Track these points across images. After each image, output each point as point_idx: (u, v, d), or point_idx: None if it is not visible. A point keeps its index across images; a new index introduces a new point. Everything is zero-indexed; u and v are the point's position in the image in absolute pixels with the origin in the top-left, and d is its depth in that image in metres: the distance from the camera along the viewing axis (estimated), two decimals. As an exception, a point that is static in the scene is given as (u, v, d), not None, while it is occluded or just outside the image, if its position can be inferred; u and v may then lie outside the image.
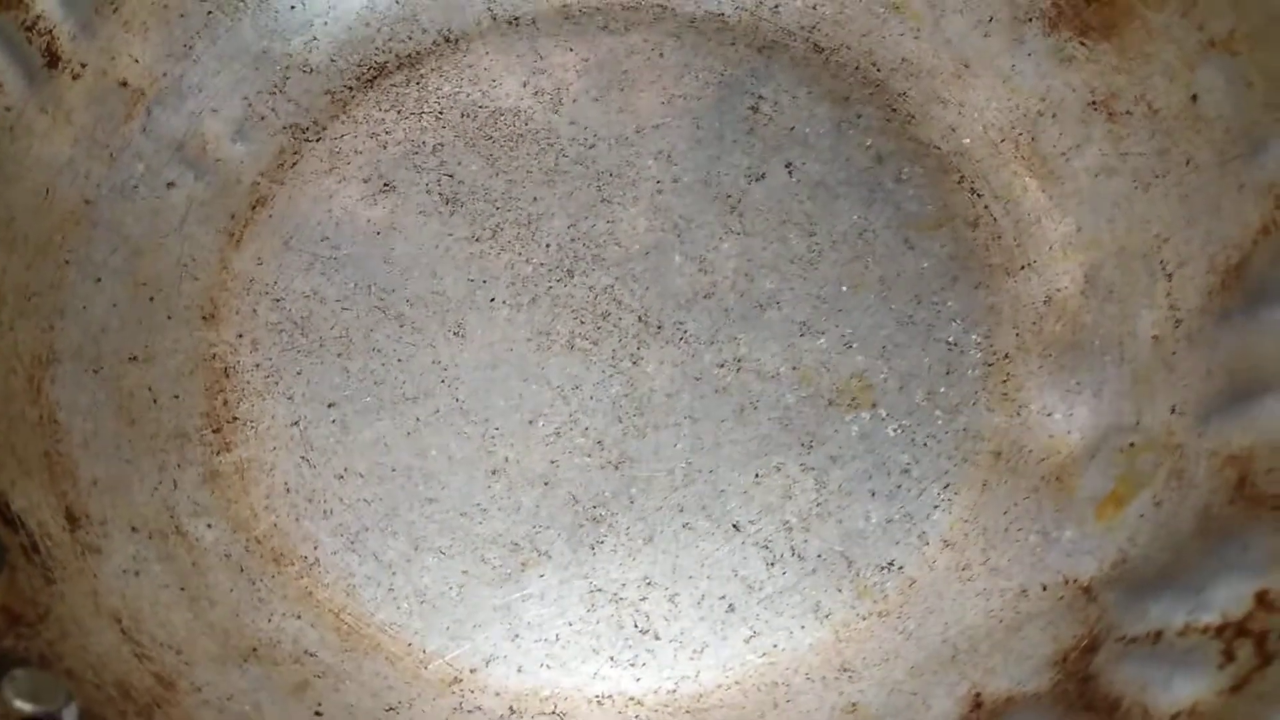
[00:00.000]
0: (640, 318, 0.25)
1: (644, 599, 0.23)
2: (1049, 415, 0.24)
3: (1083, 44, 0.26)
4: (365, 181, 0.27)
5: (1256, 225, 0.23)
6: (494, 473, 0.24)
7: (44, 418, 0.24)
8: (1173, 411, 0.23)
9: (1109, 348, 0.24)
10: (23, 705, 0.17)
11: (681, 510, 0.24)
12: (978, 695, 0.21)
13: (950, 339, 0.25)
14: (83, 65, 0.26)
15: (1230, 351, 0.22)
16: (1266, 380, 0.21)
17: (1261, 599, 0.18)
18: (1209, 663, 0.18)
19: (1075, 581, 0.22)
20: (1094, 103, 0.26)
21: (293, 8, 0.28)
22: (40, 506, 0.22)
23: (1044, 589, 0.22)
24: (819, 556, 0.23)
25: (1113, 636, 0.20)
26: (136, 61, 0.27)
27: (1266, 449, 0.20)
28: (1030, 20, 0.27)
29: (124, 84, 0.27)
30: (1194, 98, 0.24)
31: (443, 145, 0.28)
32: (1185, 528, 0.21)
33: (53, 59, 0.25)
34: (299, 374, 0.25)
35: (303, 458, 0.24)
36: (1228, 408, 0.22)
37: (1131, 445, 0.23)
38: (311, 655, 0.22)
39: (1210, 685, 0.18)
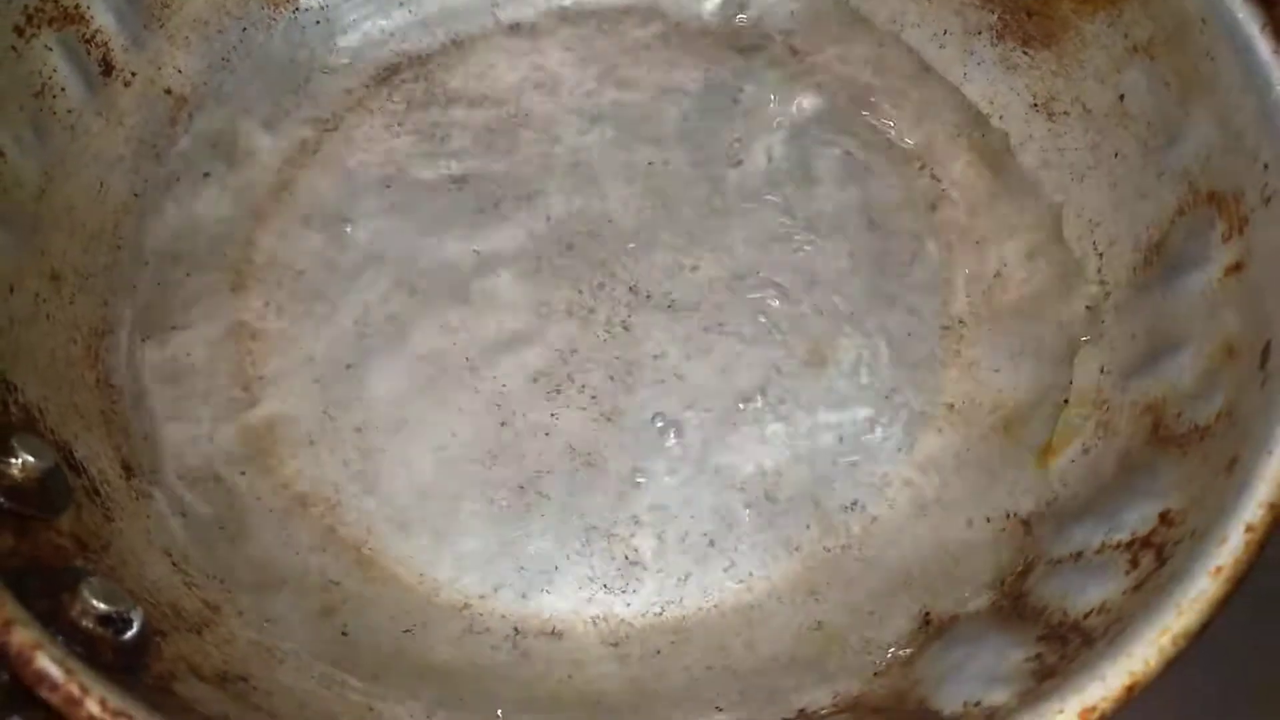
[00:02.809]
0: (631, 288, 0.29)
1: (634, 535, 0.26)
2: (996, 374, 0.28)
3: (1026, 53, 0.30)
4: (379, 166, 0.31)
5: (1174, 207, 0.27)
6: (501, 424, 0.28)
7: (100, 381, 0.27)
8: (1101, 371, 0.27)
9: (1049, 316, 0.28)
10: (99, 604, 0.21)
11: (668, 457, 0.27)
12: (927, 614, 0.25)
13: (911, 306, 0.29)
14: (133, 74, 0.30)
15: (1149, 316, 0.26)
16: (1177, 339, 0.25)
17: (1164, 517, 0.22)
18: (1118, 571, 0.22)
19: (1015, 516, 0.26)
20: (1035, 105, 0.30)
21: (318, 23, 0.32)
22: (99, 457, 0.26)
23: (988, 522, 0.26)
24: (790, 498, 0.27)
25: (1043, 560, 0.24)
26: (180, 71, 0.31)
27: (1176, 396, 0.24)
28: (980, 33, 0.31)
29: (169, 91, 0.30)
30: (1121, 97, 0.28)
31: (450, 134, 0.32)
32: (1108, 468, 0.25)
33: (108, 68, 0.29)
34: (320, 338, 0.29)
35: (324, 411, 0.28)
36: (1146, 365, 0.26)
37: (1066, 401, 0.27)
38: (336, 584, 0.26)
39: (1117, 587, 0.21)
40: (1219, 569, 0.19)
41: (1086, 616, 0.21)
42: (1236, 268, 0.24)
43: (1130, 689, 0.18)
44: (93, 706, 0.18)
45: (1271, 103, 0.24)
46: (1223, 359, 0.24)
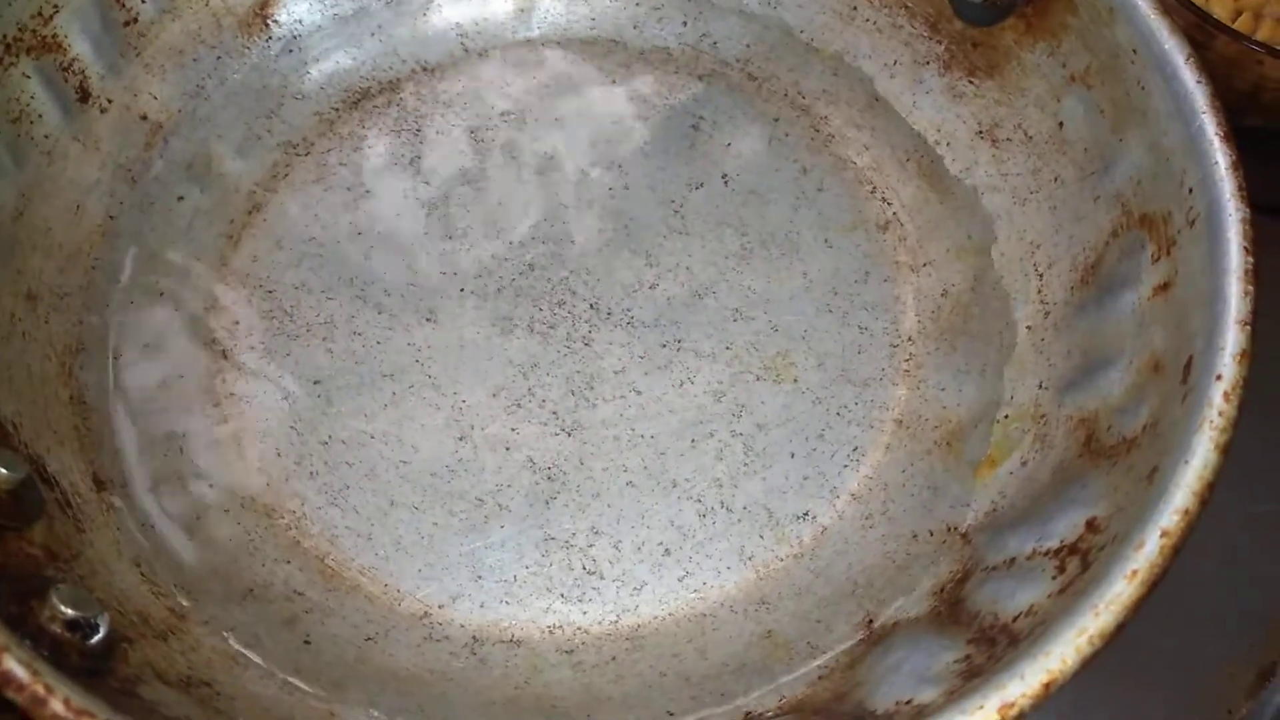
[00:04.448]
0: (592, 305, 0.31)
1: (591, 545, 0.28)
2: (942, 390, 0.29)
3: (971, 82, 0.32)
4: (348, 189, 0.33)
5: (1108, 229, 0.28)
6: (461, 439, 0.29)
7: (73, 397, 0.28)
8: (1040, 387, 0.28)
9: (992, 335, 0.30)
10: (67, 610, 0.22)
11: (626, 470, 0.29)
12: (870, 621, 0.26)
13: (862, 324, 0.30)
14: (110, 101, 0.31)
15: (1084, 334, 0.28)
16: (1109, 355, 0.27)
17: (1090, 524, 0.23)
18: (1045, 576, 0.23)
19: (955, 529, 0.27)
20: (980, 132, 0.32)
21: (290, 51, 0.34)
22: (71, 470, 0.27)
23: (930, 534, 0.27)
24: (744, 508, 0.28)
25: (979, 568, 0.25)
26: (155, 98, 0.32)
27: (1107, 410, 0.26)
28: (928, 64, 0.32)
29: (144, 117, 0.32)
30: (1060, 125, 0.30)
31: (419, 157, 0.33)
32: (1043, 479, 0.26)
33: (84, 95, 0.31)
34: (289, 355, 0.30)
35: (292, 427, 0.29)
36: (1081, 380, 0.27)
37: (1006, 417, 0.28)
38: (300, 594, 0.27)
39: (1044, 591, 0.23)
40: (1135, 572, 0.21)
41: (1015, 620, 0.23)
42: (1164, 287, 0.26)
43: (1048, 686, 0.20)
44: (57, 705, 0.19)
45: (1196, 129, 0.26)
46: (1149, 374, 0.25)
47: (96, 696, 0.19)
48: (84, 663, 0.22)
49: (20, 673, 0.19)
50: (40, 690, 0.19)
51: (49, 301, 0.29)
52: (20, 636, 0.20)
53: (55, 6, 0.30)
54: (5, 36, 0.29)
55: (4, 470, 0.24)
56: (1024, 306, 0.30)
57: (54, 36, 0.30)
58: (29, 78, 0.30)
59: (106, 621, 0.23)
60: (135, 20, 0.32)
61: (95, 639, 0.22)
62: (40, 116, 0.30)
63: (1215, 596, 0.29)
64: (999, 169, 0.31)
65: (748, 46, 0.34)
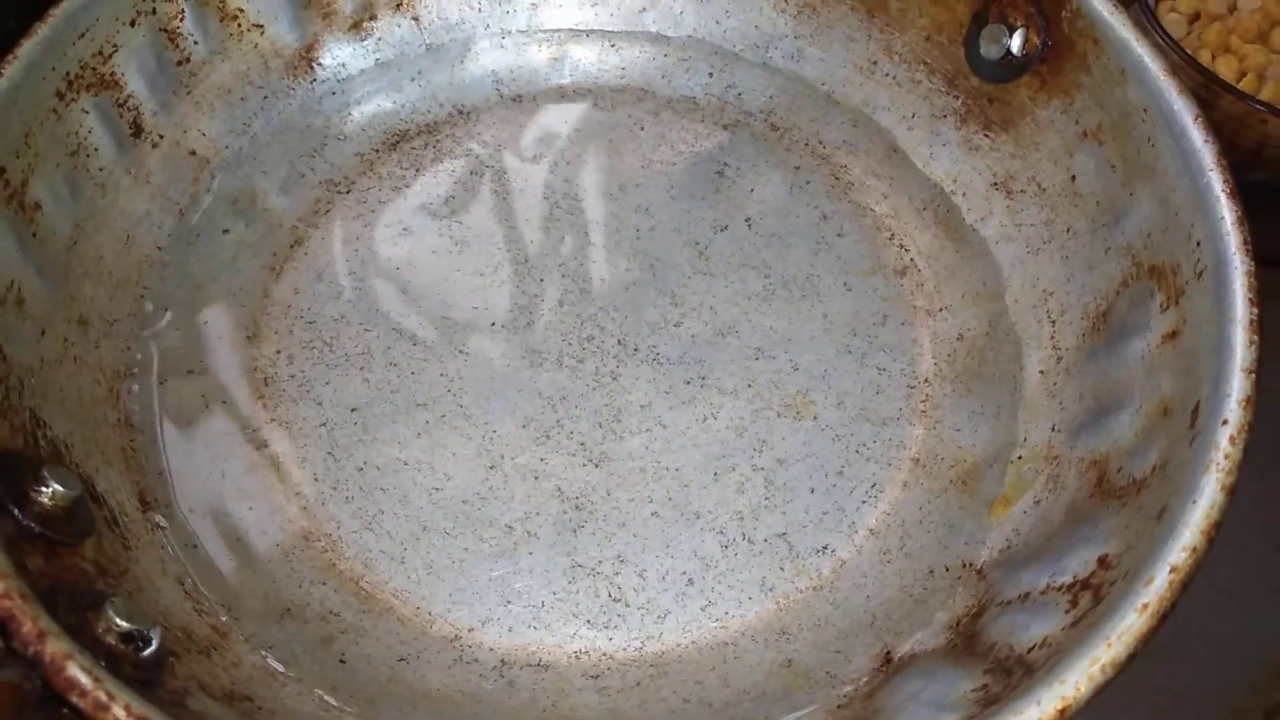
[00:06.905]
0: (619, 341, 0.32)
1: (617, 573, 0.29)
2: (958, 431, 0.31)
3: (986, 136, 0.34)
4: (387, 226, 0.34)
5: (1118, 279, 0.30)
6: (491, 468, 0.30)
7: (121, 420, 0.30)
8: (1053, 430, 0.30)
9: (1006, 379, 0.31)
10: (122, 623, 0.23)
11: (651, 501, 0.30)
12: (888, 653, 0.27)
13: (880, 365, 0.32)
14: (161, 136, 0.33)
15: (1095, 379, 0.29)
16: (1120, 399, 0.28)
17: (1102, 561, 0.25)
18: (1059, 610, 0.24)
19: (971, 565, 0.28)
20: (995, 183, 0.33)
21: (334, 93, 0.35)
22: (119, 490, 0.28)
23: (946, 570, 0.29)
24: (765, 541, 0.29)
25: (994, 603, 0.27)
26: (204, 135, 0.34)
27: (1118, 453, 0.27)
28: (945, 117, 0.34)
29: (193, 153, 0.34)
30: (1073, 178, 0.32)
31: (454, 196, 0.35)
32: (1056, 518, 0.28)
33: (137, 130, 0.33)
34: (327, 384, 0.32)
35: (329, 453, 0.30)
36: (1092, 423, 0.29)
37: (1020, 458, 0.30)
38: (335, 615, 0.28)
39: (1057, 624, 0.24)
40: (1145, 606, 0.22)
41: (1030, 651, 0.24)
42: (1172, 335, 0.27)
43: (1062, 712, 0.21)
44: (118, 711, 0.20)
45: (1203, 186, 0.27)
46: (1158, 418, 0.26)
47: (153, 704, 0.21)
48: (136, 674, 0.23)
49: (84, 679, 0.20)
50: (103, 696, 0.20)
51: (99, 327, 0.31)
52: (80, 646, 0.21)
53: (114, 46, 0.32)
54: (68, 74, 0.31)
55: (61, 487, 0.25)
56: (1037, 352, 0.31)
57: (112, 74, 0.32)
58: (87, 113, 0.31)
59: (159, 634, 0.24)
60: (188, 60, 0.34)
61: (148, 651, 0.23)
62: (96, 150, 0.32)
63: (1221, 636, 0.30)
64: (1013, 219, 0.33)
65: (771, 98, 0.36)
